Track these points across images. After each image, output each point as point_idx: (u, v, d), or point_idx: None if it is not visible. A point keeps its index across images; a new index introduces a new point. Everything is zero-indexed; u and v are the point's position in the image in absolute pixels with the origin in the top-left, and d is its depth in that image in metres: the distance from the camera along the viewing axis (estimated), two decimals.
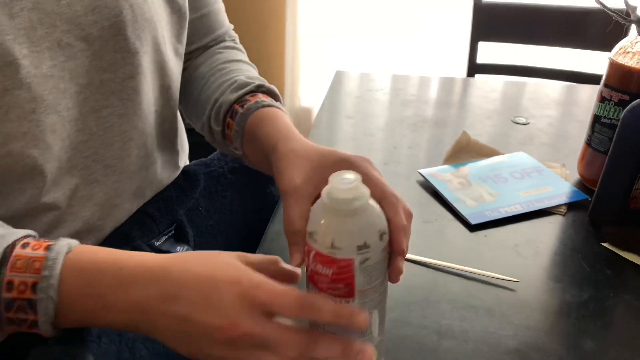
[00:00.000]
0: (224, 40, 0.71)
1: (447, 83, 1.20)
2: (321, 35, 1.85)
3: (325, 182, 0.40)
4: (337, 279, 0.40)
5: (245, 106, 0.56)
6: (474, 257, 0.64)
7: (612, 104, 0.70)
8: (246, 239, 0.70)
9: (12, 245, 0.39)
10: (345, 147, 0.87)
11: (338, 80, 1.19)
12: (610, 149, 0.66)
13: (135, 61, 0.51)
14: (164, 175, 0.62)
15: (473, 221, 0.69)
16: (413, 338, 0.53)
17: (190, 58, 0.68)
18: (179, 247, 0.57)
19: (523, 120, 0.99)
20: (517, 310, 0.56)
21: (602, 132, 0.73)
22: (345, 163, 0.46)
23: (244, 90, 0.58)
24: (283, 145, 0.49)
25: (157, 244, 0.56)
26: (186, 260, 0.39)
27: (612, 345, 0.53)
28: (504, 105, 1.08)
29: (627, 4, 0.68)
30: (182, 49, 0.61)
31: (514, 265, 0.63)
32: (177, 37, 0.59)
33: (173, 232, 0.59)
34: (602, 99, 0.72)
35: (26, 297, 0.38)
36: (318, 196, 0.43)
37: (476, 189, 0.76)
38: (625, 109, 0.63)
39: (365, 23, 1.82)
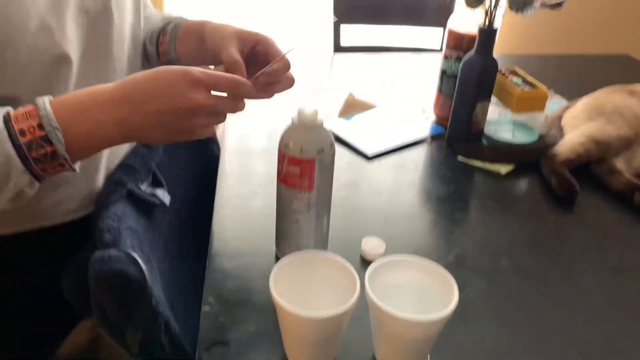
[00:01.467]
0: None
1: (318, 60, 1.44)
2: None
3: (243, 42, 0.65)
4: (303, 175, 0.60)
5: (172, 23, 0.77)
6: (372, 176, 0.88)
7: (452, 60, 0.98)
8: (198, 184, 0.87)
9: (6, 111, 0.51)
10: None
11: None
12: (455, 92, 0.93)
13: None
14: None
15: (369, 153, 0.93)
16: None
17: None
18: (158, 190, 0.72)
19: (389, 84, 1.26)
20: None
21: (448, 81, 1.01)
22: (255, 35, 0.66)
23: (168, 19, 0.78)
24: (210, 26, 0.70)
25: (142, 187, 0.70)
26: (135, 77, 0.54)
27: (469, 214, 0.80)
28: (374, 74, 1.34)
29: None
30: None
31: (401, 179, 0.88)
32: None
33: (150, 179, 0.73)
34: (446, 57, 1.00)
35: (38, 135, 0.50)
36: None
37: (365, 132, 1.00)
38: (461, 62, 0.91)
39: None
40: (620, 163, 0.88)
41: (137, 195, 0.68)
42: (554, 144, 0.92)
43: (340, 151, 0.95)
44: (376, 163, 0.92)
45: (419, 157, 0.95)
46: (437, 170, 0.92)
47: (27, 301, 0.68)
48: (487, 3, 0.86)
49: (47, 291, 0.65)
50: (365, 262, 0.67)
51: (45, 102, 0.51)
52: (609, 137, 0.90)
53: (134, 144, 0.75)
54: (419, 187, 0.87)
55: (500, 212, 0.81)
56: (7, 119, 0.50)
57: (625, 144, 0.90)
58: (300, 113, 0.59)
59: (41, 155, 0.51)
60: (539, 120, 0.98)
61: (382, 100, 1.15)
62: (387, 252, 0.68)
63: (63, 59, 0.58)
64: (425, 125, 1.04)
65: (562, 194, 0.84)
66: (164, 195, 0.73)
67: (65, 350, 0.66)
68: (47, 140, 0.50)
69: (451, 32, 0.97)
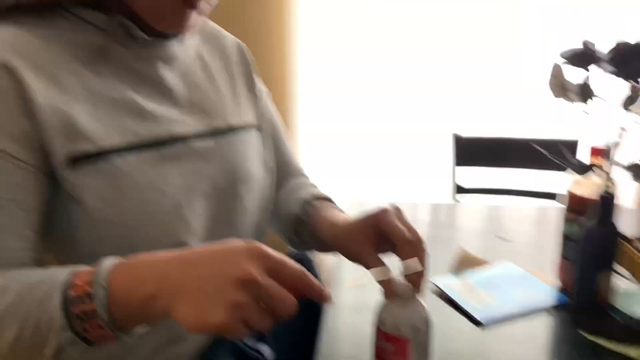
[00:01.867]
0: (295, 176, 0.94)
1: (435, 208, 1.44)
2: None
3: (365, 234, 0.66)
4: (397, 353, 0.58)
5: (306, 214, 0.81)
6: (484, 349, 0.82)
7: (573, 224, 0.93)
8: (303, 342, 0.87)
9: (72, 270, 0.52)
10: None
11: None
12: (577, 259, 0.87)
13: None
14: None
15: (482, 320, 0.88)
16: None
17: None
18: (262, 345, 0.74)
19: (505, 236, 1.22)
20: None
21: (570, 246, 0.94)
22: (371, 219, 0.67)
23: (304, 203, 0.83)
24: (336, 227, 0.74)
25: (248, 342, 0.72)
26: (201, 245, 0.54)
27: None
28: (488, 224, 1.31)
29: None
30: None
31: (517, 354, 0.81)
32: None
33: (257, 334, 0.76)
34: (566, 221, 0.95)
35: (84, 291, 0.49)
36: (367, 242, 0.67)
37: (479, 294, 0.95)
38: (582, 232, 0.85)
39: (361, 158, 2.11)
40: None
41: (241, 350, 0.70)
42: None
43: (448, 313, 0.91)
44: (489, 332, 0.86)
45: (538, 329, 0.87)
46: (559, 347, 0.83)
47: None
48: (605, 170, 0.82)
49: None
50: None
51: (106, 265, 0.51)
52: None
53: None
54: None
55: None
56: (69, 278, 0.51)
57: None
58: (394, 285, 0.59)
59: (81, 312, 0.49)
60: None
61: (498, 257, 1.10)
62: None
63: (185, 241, 0.65)
64: (547, 291, 0.97)
65: None
66: (267, 350, 0.75)
67: None
68: (90, 296, 0.49)
69: (571, 195, 0.93)
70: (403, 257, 0.64)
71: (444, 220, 1.34)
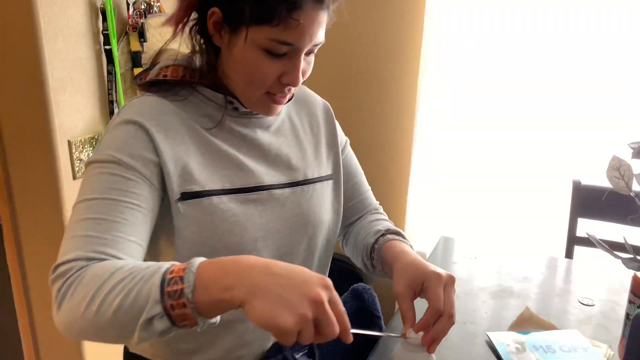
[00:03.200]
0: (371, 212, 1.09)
1: (535, 260, 1.45)
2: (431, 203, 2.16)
3: (411, 286, 0.80)
4: None
5: (378, 243, 0.95)
6: None
7: (636, 307, 0.93)
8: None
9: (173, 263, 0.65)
10: None
11: (442, 242, 1.51)
12: (626, 344, 0.88)
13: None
14: None
15: None
16: None
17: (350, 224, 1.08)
18: None
19: (589, 302, 1.20)
20: None
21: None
22: (424, 275, 0.79)
23: (378, 234, 0.97)
24: (396, 263, 0.85)
25: (297, 356, 0.89)
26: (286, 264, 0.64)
27: None
28: (576, 285, 1.29)
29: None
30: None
31: None
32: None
33: (307, 351, 0.93)
34: (630, 302, 0.94)
35: (178, 275, 0.61)
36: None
37: (529, 355, 1.00)
38: (633, 317, 0.86)
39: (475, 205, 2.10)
40: None
41: None
42: None
43: None
44: None
45: None
46: None
47: None
48: None
49: None
50: None
51: (198, 260, 0.63)
52: None
53: None
54: None
55: None
56: (169, 267, 0.64)
57: None
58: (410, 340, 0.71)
59: (172, 291, 0.61)
60: None
61: (570, 323, 1.11)
62: None
63: None
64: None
65: None
66: None
67: None
68: (182, 279, 0.61)
69: (636, 278, 0.93)
70: (426, 319, 0.76)
71: (534, 274, 1.36)
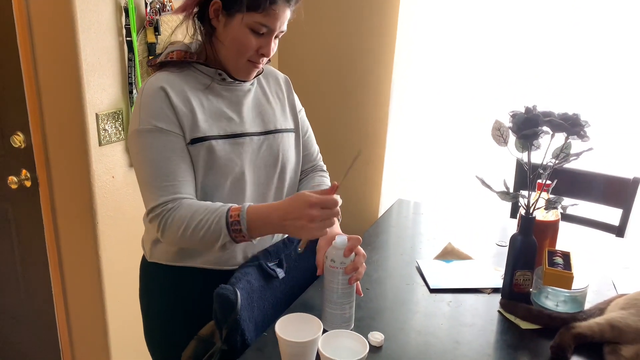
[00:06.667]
0: (316, 171, 1.42)
1: (479, 218, 1.79)
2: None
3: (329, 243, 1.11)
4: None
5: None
6: (432, 307, 1.23)
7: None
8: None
9: (229, 206, 1.05)
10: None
11: (397, 203, 1.85)
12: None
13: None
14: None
15: (432, 286, 1.28)
16: None
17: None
18: (278, 269, 1.25)
19: (503, 243, 1.55)
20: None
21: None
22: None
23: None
24: None
25: (269, 264, 1.23)
26: (289, 200, 1.04)
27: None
28: (495, 232, 1.63)
29: None
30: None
31: (448, 314, 1.20)
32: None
33: (277, 261, 1.27)
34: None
35: (236, 219, 1.03)
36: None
37: (444, 272, 1.34)
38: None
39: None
40: (627, 350, 1.02)
41: (263, 267, 1.22)
42: (580, 318, 1.11)
43: (414, 280, 1.32)
44: (435, 295, 1.26)
45: (471, 300, 1.25)
46: (477, 312, 1.20)
47: (197, 311, 1.26)
48: (527, 198, 1.17)
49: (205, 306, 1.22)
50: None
51: (246, 206, 1.05)
52: (626, 326, 1.05)
53: (277, 240, 1.31)
54: (453, 320, 1.18)
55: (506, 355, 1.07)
56: (228, 211, 1.05)
57: None
58: (330, 253, 1.06)
59: (235, 229, 1.04)
60: (583, 296, 1.17)
61: (484, 257, 1.46)
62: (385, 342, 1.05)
63: (243, 188, 1.19)
64: (493, 278, 1.32)
65: (553, 354, 1.04)
66: (280, 273, 1.26)
67: (202, 332, 1.20)
68: (238, 222, 1.04)
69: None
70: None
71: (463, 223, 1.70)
